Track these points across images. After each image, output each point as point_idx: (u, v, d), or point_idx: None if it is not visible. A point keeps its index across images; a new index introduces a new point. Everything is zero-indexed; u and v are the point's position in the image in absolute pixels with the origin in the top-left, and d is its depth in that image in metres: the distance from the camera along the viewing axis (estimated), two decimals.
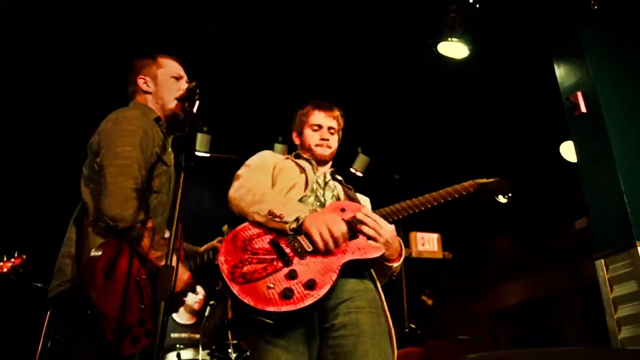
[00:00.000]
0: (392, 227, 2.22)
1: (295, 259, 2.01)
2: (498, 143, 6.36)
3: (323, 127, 2.59)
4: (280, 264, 1.99)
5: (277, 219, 2.08)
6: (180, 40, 4.76)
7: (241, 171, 2.43)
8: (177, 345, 4.43)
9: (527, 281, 8.44)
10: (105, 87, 4.87)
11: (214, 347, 4.23)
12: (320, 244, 2.01)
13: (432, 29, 4.57)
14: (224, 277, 1.94)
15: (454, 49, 4.64)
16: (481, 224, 8.04)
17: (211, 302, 4.44)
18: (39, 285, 4.57)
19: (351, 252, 2.06)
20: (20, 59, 5.23)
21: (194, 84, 2.19)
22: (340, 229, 2.05)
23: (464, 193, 2.33)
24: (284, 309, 1.86)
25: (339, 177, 2.60)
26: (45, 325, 4.32)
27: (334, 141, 2.60)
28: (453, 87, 5.61)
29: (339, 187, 2.52)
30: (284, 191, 2.33)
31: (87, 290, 2.02)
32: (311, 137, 2.58)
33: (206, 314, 4.42)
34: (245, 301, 1.87)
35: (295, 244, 2.05)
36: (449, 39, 4.53)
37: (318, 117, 2.60)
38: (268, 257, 2.02)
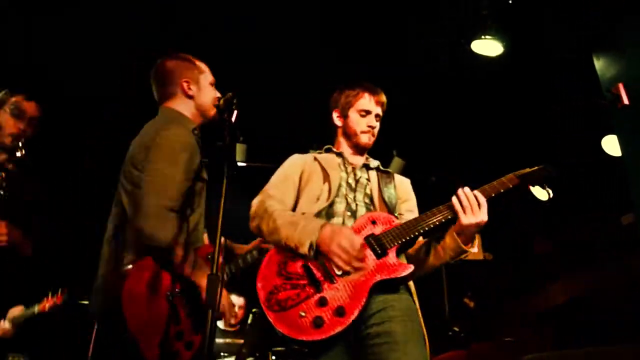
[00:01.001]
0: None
1: (326, 285, 2.03)
2: (536, 139, 6.22)
3: (371, 114, 2.48)
4: (311, 290, 2.03)
5: (294, 250, 2.09)
6: (209, 46, 4.79)
7: (265, 188, 2.40)
8: (222, 353, 4.47)
9: (571, 280, 8.21)
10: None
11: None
12: (345, 267, 2.02)
13: (466, 28, 4.52)
14: (261, 304, 2.02)
15: (488, 46, 4.58)
16: (521, 222, 7.88)
17: (253, 310, 4.46)
18: (83, 302, 4.69)
19: (380, 273, 2.05)
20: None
21: (231, 94, 2.19)
22: (355, 245, 2.03)
23: (502, 190, 2.17)
24: (315, 337, 1.92)
25: (374, 164, 2.51)
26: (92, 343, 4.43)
27: (377, 129, 2.51)
28: (488, 85, 5.52)
29: (374, 180, 2.43)
30: (310, 202, 2.31)
31: (120, 307, 2.05)
32: (357, 123, 2.48)
33: (249, 321, 4.44)
34: (280, 330, 1.95)
35: (325, 267, 2.06)
36: (483, 36, 4.47)
37: (368, 102, 2.49)
38: (301, 282, 2.06)
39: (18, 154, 2.52)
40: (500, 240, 7.52)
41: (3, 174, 2.50)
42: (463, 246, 2.13)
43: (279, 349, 4.08)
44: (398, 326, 2.01)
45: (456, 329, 5.97)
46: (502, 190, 2.17)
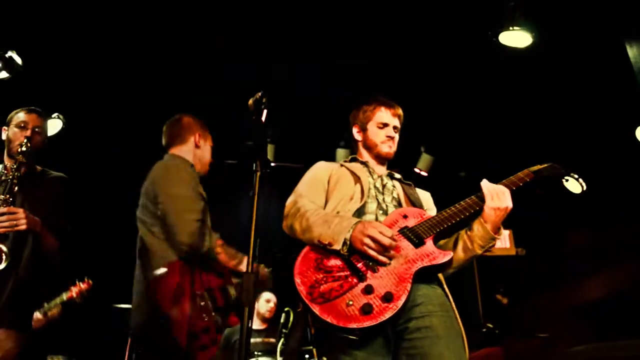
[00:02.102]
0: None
1: (369, 273, 2.06)
2: (568, 132, 6.10)
3: (389, 126, 2.60)
4: (355, 280, 2.05)
5: (329, 247, 2.13)
6: (238, 48, 4.84)
7: (296, 189, 2.48)
8: (255, 352, 4.50)
9: (606, 274, 8.04)
10: None
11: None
12: (378, 258, 2.06)
13: (493, 19, 4.45)
14: (304, 298, 2.03)
15: (516, 38, 4.51)
16: (554, 216, 7.74)
17: (286, 309, 4.49)
18: (119, 306, 4.78)
19: (420, 260, 2.10)
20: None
21: (259, 94, 2.25)
22: (386, 234, 2.08)
23: (521, 184, 2.27)
24: (366, 324, 1.92)
25: (397, 175, 2.62)
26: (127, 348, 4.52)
27: (396, 138, 2.62)
28: (515, 77, 5.43)
29: (399, 187, 2.54)
30: (343, 201, 2.36)
31: (156, 301, 2.37)
32: (376, 135, 2.60)
33: (281, 320, 4.46)
34: (328, 320, 1.95)
35: (366, 259, 2.09)
36: (511, 28, 4.40)
37: (384, 115, 2.61)
38: (342, 274, 2.08)
39: (23, 148, 2.78)
40: (535, 235, 7.41)
41: (15, 180, 2.72)
42: (492, 233, 2.20)
43: (320, 343, 4.10)
44: (438, 321, 2.03)
45: (490, 325, 5.91)
46: (520, 184, 2.27)
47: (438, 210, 2.37)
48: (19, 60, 3.11)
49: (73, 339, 5.37)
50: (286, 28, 4.85)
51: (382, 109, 2.62)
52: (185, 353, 2.32)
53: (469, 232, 2.26)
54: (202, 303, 2.44)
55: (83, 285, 4.51)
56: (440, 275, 2.25)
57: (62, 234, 2.88)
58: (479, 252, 2.23)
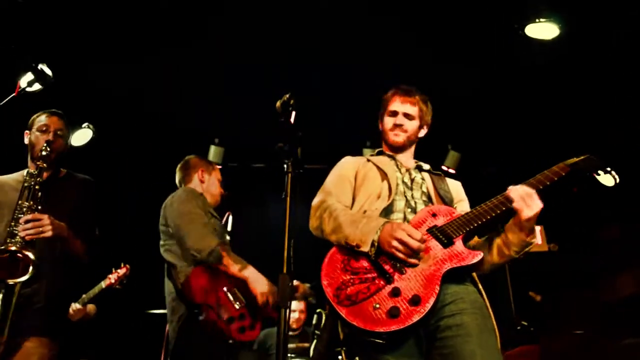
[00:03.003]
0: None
1: (396, 275, 2.03)
2: (598, 125, 5.97)
3: (398, 114, 2.57)
4: (382, 282, 2.02)
5: (357, 248, 2.10)
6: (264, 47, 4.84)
7: (323, 188, 2.48)
8: (289, 355, 4.50)
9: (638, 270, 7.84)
10: None
11: None
12: (407, 260, 2.04)
13: (518, 12, 4.37)
14: (330, 300, 2.02)
15: (542, 29, 4.42)
16: (587, 212, 7.58)
17: (317, 311, 4.48)
18: (155, 312, 4.82)
19: (449, 260, 2.05)
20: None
21: (287, 96, 2.26)
22: (414, 237, 2.05)
23: (556, 179, 2.18)
24: (393, 328, 1.90)
25: (426, 167, 2.57)
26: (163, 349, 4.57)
27: (411, 126, 2.56)
28: (542, 71, 5.33)
29: (428, 180, 2.48)
30: (370, 199, 2.33)
31: (190, 295, 2.82)
32: (387, 124, 2.60)
33: (314, 321, 4.46)
34: (354, 324, 1.94)
35: (393, 260, 2.07)
36: (537, 20, 4.32)
37: (395, 103, 2.59)
38: (369, 275, 2.06)
39: (43, 152, 2.79)
40: (567, 231, 7.28)
41: (38, 187, 2.71)
42: (527, 239, 2.15)
43: (350, 344, 4.08)
44: (470, 318, 2.00)
45: (525, 323, 5.83)
46: (556, 179, 2.18)
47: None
48: (49, 72, 3.16)
49: (105, 345, 5.46)
50: (315, 28, 4.83)
51: (396, 97, 2.61)
52: (224, 335, 2.74)
53: (503, 239, 2.20)
54: (232, 296, 2.88)
55: (121, 271, 4.53)
56: (474, 273, 2.21)
57: (89, 238, 2.89)
58: (516, 256, 2.19)
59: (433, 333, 2.01)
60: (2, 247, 2.51)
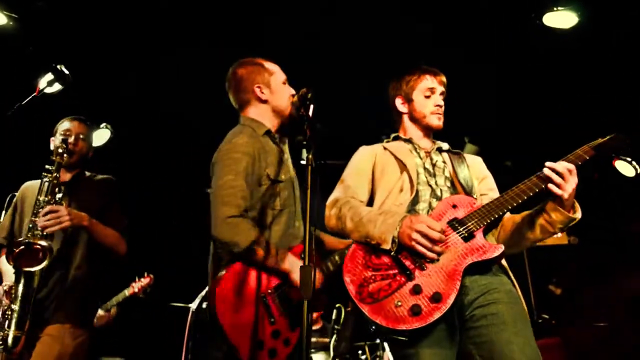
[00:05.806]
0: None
1: (417, 272, 2.02)
2: (617, 115, 5.87)
3: (436, 92, 2.46)
4: (403, 279, 2.01)
5: (377, 246, 2.09)
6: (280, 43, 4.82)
7: (339, 184, 2.42)
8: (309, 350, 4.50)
9: None
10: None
11: (347, 356, 4.28)
12: (428, 255, 2.01)
13: (533, 2, 4.31)
14: (353, 298, 2.02)
15: (561, 18, 4.36)
16: (608, 203, 7.48)
17: (337, 305, 4.48)
18: (177, 304, 4.84)
19: (470, 254, 2.03)
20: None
21: (305, 90, 2.27)
22: (435, 229, 2.02)
23: (580, 163, 2.10)
24: (415, 325, 1.90)
25: (445, 147, 2.48)
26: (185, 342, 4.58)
27: (443, 109, 2.49)
28: (561, 60, 5.25)
29: (449, 162, 2.41)
30: (393, 193, 2.29)
31: (214, 309, 2.15)
32: (424, 105, 2.46)
33: (333, 316, 4.46)
34: (377, 321, 1.94)
35: (414, 256, 2.05)
36: (555, 8, 4.26)
37: (430, 81, 2.48)
38: (390, 272, 2.04)
39: (59, 150, 2.83)
40: (588, 223, 7.17)
41: (55, 181, 2.77)
42: (572, 215, 2.11)
43: (373, 341, 4.09)
44: (505, 307, 1.98)
45: (546, 316, 5.79)
46: (579, 163, 2.11)
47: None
48: (67, 72, 3.19)
49: (129, 341, 5.49)
50: (332, 21, 4.80)
51: (427, 76, 2.49)
52: None
53: (547, 218, 2.13)
54: (269, 304, 2.24)
55: (145, 281, 4.57)
56: (505, 263, 2.18)
57: (121, 227, 2.95)
58: (560, 232, 2.19)
59: (467, 322, 2.00)
60: (18, 240, 2.60)
